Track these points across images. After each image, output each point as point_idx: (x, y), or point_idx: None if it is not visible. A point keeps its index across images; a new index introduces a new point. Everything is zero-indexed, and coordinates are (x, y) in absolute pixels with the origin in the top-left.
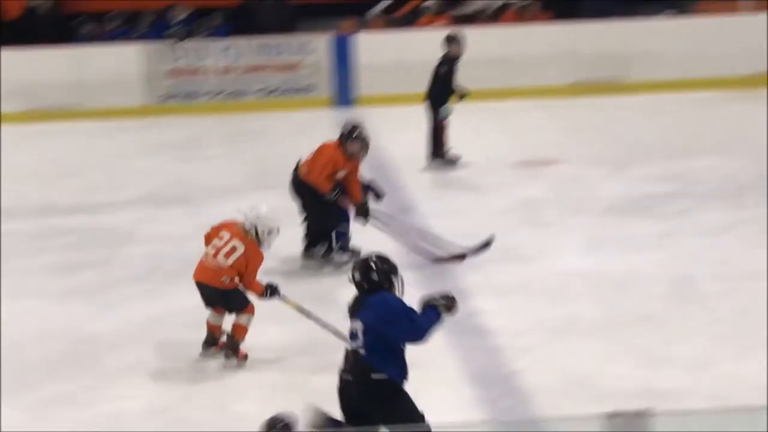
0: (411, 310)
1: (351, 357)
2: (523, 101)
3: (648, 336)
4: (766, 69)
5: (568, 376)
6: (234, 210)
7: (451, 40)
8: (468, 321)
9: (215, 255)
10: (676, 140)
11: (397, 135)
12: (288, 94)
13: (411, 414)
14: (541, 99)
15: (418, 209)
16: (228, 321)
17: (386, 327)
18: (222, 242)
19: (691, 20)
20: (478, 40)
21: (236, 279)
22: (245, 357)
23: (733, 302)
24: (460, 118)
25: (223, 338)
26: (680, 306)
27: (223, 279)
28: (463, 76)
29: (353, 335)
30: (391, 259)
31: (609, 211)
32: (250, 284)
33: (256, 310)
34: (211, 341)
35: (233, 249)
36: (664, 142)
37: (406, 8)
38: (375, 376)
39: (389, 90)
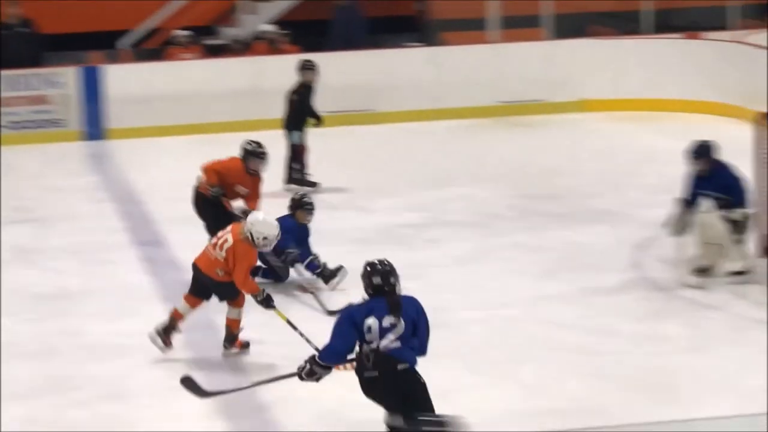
0: None
1: (373, 354)
2: (276, 131)
3: None
4: (510, 99)
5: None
6: None
7: (305, 66)
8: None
9: (214, 247)
10: (424, 170)
11: (147, 167)
12: (37, 127)
13: (431, 405)
14: None
15: (168, 241)
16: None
17: (421, 329)
18: (223, 235)
19: (439, 50)
20: (230, 70)
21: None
22: (246, 345)
23: (484, 330)
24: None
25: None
26: (433, 334)
27: (217, 271)
28: (214, 108)
29: (383, 332)
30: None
31: (359, 242)
32: (242, 283)
33: None
34: (172, 328)
35: (225, 241)
36: (412, 172)
37: (155, 40)
38: (401, 367)
39: (139, 122)
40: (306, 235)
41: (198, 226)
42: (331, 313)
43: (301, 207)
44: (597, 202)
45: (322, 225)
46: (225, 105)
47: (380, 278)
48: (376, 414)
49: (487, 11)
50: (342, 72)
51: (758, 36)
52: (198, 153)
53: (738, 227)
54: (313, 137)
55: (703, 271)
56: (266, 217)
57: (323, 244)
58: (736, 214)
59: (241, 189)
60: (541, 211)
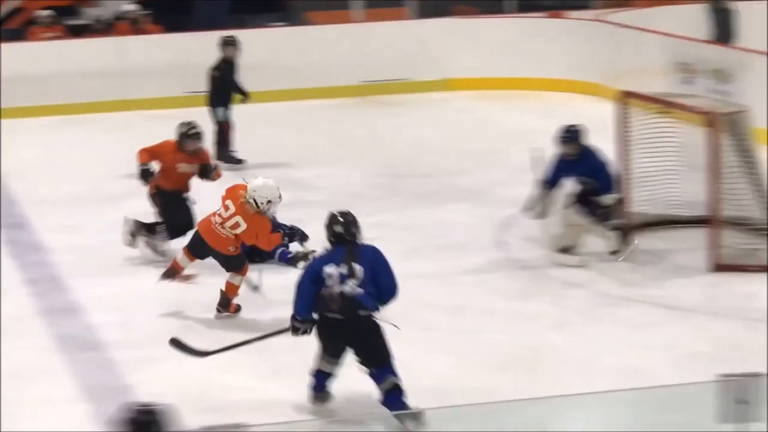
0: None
1: (339, 298)
2: (139, 112)
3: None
4: (375, 78)
5: (182, 387)
6: None
7: (226, 42)
8: (83, 335)
9: (222, 224)
10: (289, 149)
11: (9, 148)
12: None
13: (388, 349)
14: (156, 110)
15: (31, 225)
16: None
17: (382, 274)
18: (227, 214)
19: (303, 29)
20: (92, 50)
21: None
22: (237, 309)
23: None
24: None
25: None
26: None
27: (229, 248)
28: (77, 89)
29: (343, 278)
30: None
31: None
32: (270, 243)
33: None
34: (172, 273)
35: (236, 225)
36: (277, 152)
37: (17, 20)
38: (362, 312)
39: (1, 103)
40: None
41: (63, 207)
42: (255, 288)
43: None
44: (462, 181)
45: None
46: (88, 85)
47: (341, 228)
48: (240, 395)
49: None
50: (205, 52)
51: (619, 15)
52: (61, 134)
53: (606, 212)
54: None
55: (565, 250)
56: (265, 180)
57: None
58: (606, 198)
59: (184, 166)
60: (407, 190)
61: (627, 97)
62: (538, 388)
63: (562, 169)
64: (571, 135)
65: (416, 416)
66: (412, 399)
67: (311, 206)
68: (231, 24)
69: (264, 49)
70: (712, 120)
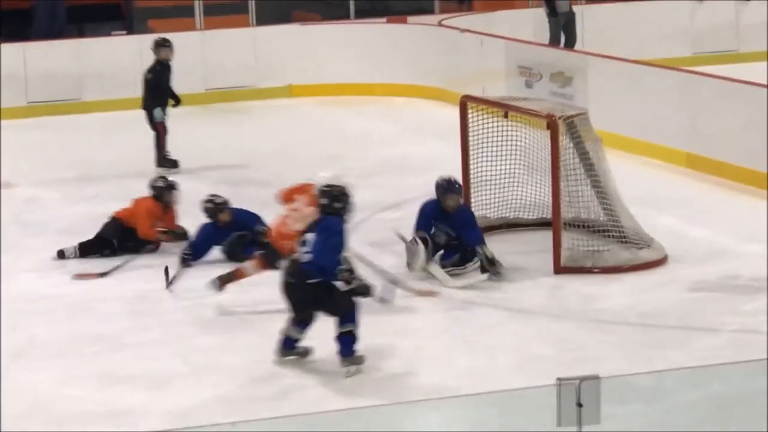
0: (340, 244)
1: (291, 265)
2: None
3: (108, 356)
4: (218, 85)
5: (29, 399)
6: None
7: (159, 44)
8: None
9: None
10: (131, 158)
11: None
12: None
13: (345, 303)
14: None
15: None
16: None
17: (320, 239)
18: (297, 209)
19: (145, 38)
20: None
21: None
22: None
23: (186, 318)
24: None
25: None
26: (141, 324)
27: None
28: None
29: (304, 245)
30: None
31: (63, 233)
32: None
33: None
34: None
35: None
36: (119, 161)
37: None
38: (310, 281)
39: None
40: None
41: None
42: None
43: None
44: None
45: (28, 216)
46: None
47: (324, 199)
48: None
49: None
50: (45, 61)
51: (461, 19)
52: None
53: (490, 261)
54: (21, 129)
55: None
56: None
57: (27, 236)
58: (486, 250)
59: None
60: (252, 197)
61: (468, 101)
62: (387, 392)
63: (434, 219)
64: (458, 188)
65: (355, 360)
66: (256, 408)
67: None
68: (71, 33)
69: (106, 58)
70: (552, 123)
